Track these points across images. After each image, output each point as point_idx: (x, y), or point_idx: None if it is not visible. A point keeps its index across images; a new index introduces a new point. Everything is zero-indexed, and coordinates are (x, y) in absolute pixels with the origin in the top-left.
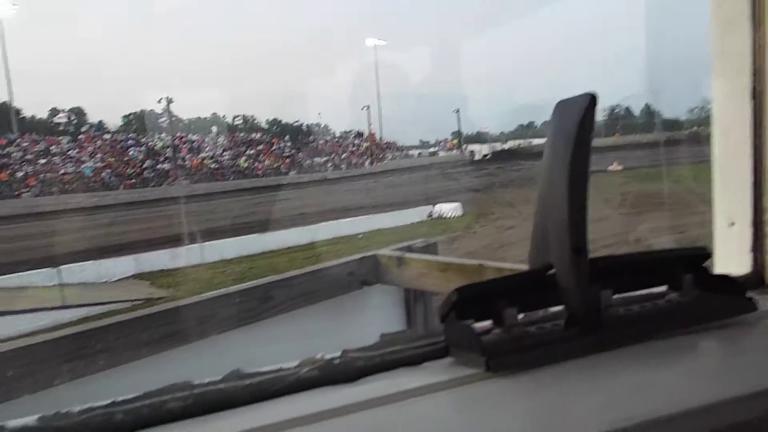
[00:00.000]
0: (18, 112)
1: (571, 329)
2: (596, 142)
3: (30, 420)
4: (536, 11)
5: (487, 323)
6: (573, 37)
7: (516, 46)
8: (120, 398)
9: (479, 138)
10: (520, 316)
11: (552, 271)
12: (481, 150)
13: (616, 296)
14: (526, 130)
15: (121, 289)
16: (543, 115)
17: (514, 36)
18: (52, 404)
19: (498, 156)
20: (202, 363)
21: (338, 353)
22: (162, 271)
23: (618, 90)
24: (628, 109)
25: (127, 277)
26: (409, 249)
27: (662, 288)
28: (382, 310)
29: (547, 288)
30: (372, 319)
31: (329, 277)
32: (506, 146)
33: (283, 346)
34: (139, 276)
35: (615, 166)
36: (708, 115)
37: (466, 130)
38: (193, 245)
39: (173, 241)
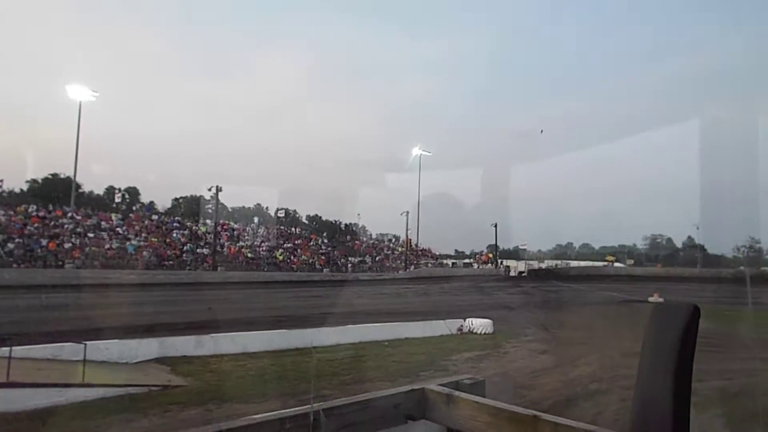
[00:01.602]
0: (78, 186)
1: None
2: (637, 270)
3: None
4: (587, 143)
5: None
6: (623, 166)
7: (560, 168)
8: None
9: (516, 254)
10: None
11: None
12: (517, 266)
13: None
14: (565, 250)
15: (140, 372)
16: (583, 238)
17: (560, 161)
18: None
19: (534, 274)
20: None
21: None
22: (184, 357)
23: (662, 220)
24: (670, 240)
25: (148, 360)
26: (457, 385)
27: None
28: None
29: None
30: None
31: (376, 409)
32: (543, 265)
33: None
34: (161, 360)
35: (656, 298)
36: (756, 255)
37: (503, 245)
38: (218, 334)
39: (200, 327)
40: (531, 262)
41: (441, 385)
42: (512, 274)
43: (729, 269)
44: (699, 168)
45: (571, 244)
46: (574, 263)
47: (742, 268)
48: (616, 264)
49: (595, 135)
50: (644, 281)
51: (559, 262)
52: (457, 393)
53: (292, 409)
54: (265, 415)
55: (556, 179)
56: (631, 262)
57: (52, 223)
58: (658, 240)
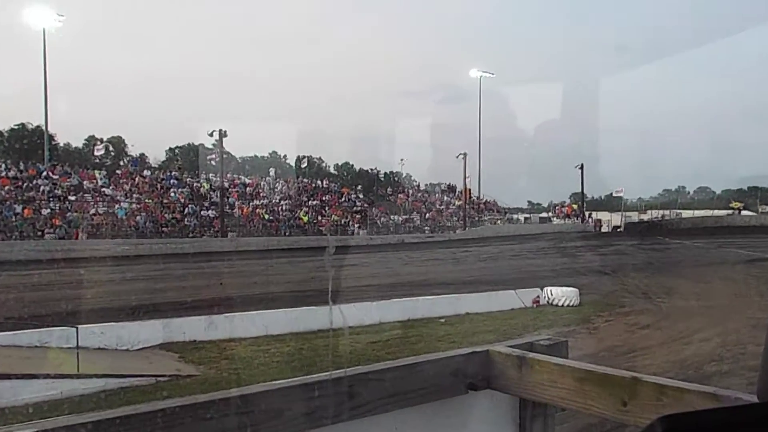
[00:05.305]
0: (51, 138)
1: None
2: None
3: None
4: (700, 48)
5: None
6: (752, 76)
7: (667, 87)
8: None
9: (609, 204)
10: None
11: None
12: (610, 220)
13: None
14: (674, 196)
15: (144, 361)
16: (699, 180)
17: (665, 76)
18: None
19: (633, 229)
20: None
21: None
22: (194, 342)
23: None
24: None
25: (152, 346)
26: (531, 346)
27: None
28: (491, 426)
29: None
30: None
31: (429, 375)
32: (645, 217)
33: None
34: (167, 346)
35: None
36: None
37: (591, 193)
38: (234, 314)
39: (211, 306)
40: (629, 213)
41: (511, 346)
42: (604, 229)
43: None
44: None
45: (683, 188)
46: (686, 213)
47: None
48: (744, 212)
49: (709, 37)
50: None
51: (666, 212)
52: (532, 355)
53: (322, 374)
54: (287, 380)
55: (660, 103)
56: (766, 208)
57: (26, 184)
58: None
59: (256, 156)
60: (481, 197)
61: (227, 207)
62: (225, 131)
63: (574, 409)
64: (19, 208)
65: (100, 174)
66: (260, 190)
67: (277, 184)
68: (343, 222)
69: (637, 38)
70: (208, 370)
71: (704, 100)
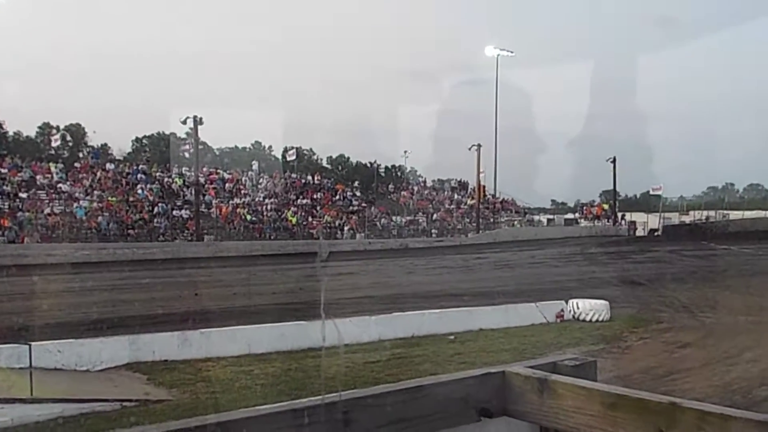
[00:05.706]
0: None
1: None
2: None
3: None
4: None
5: None
6: None
7: (715, 68)
8: None
9: (645, 203)
10: None
11: None
12: (646, 222)
13: None
14: (720, 195)
15: (108, 383)
16: (750, 176)
17: (714, 54)
18: None
19: (673, 232)
20: None
21: None
22: (165, 362)
23: None
24: None
25: (117, 367)
26: (554, 367)
27: None
28: None
29: None
30: None
31: (436, 399)
32: (687, 219)
33: None
34: (134, 366)
35: None
36: None
37: (625, 191)
38: (211, 329)
39: (184, 320)
40: (668, 214)
41: (530, 367)
42: (640, 233)
43: None
44: None
45: (732, 185)
46: (735, 214)
47: None
48: None
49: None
50: None
51: (711, 213)
52: (555, 377)
53: (313, 398)
54: (273, 405)
55: (707, 86)
56: None
57: None
58: None
59: (236, 147)
60: (497, 195)
61: (203, 206)
62: (200, 118)
63: None
64: None
65: (55, 167)
66: (241, 187)
67: (261, 180)
68: (337, 224)
69: (683, 9)
70: (182, 393)
71: (758, 83)
